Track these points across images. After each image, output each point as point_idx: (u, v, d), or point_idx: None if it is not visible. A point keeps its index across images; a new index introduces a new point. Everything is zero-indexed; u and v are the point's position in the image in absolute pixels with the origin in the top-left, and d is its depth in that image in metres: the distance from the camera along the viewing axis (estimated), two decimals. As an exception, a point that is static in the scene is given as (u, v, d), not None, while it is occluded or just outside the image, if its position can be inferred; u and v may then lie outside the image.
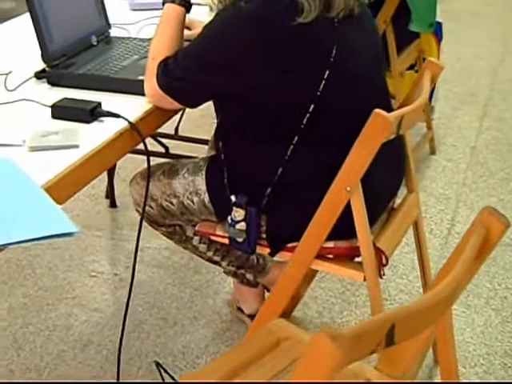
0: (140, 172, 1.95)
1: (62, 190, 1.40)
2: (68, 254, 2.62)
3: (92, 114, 1.62)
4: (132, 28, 2.25)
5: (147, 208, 1.90)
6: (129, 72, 1.82)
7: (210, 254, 2.02)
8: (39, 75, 1.84)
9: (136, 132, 1.61)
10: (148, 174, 1.76)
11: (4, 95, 1.75)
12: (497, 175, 3.25)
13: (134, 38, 2.06)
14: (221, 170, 1.77)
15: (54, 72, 1.82)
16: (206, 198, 1.81)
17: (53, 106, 1.64)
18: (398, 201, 1.97)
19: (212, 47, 1.61)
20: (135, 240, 1.76)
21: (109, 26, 2.08)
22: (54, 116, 1.64)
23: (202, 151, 2.42)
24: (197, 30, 1.97)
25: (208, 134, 2.64)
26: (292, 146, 1.65)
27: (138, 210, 1.95)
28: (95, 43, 1.99)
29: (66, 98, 1.67)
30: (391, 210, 1.95)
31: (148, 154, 1.68)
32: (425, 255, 2.09)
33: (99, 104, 1.64)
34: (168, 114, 1.77)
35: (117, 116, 1.62)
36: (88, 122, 1.62)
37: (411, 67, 3.29)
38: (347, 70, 1.63)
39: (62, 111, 1.63)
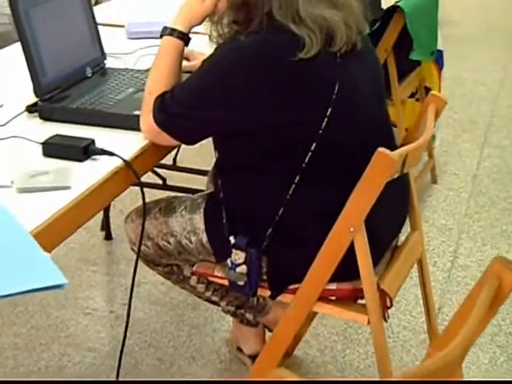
0: (136, 209, 1.88)
1: (52, 235, 1.33)
2: (62, 290, 2.53)
3: (85, 152, 1.56)
4: (128, 58, 2.19)
5: (143, 247, 1.83)
6: (124, 106, 1.76)
7: (208, 294, 1.95)
8: (31, 109, 1.77)
9: (131, 171, 1.55)
10: (144, 212, 1.69)
11: (-7, 131, 1.69)
12: (499, 205, 3.19)
13: (130, 70, 2.00)
14: (220, 208, 1.70)
15: (46, 106, 1.76)
16: (204, 238, 1.74)
17: (44, 144, 1.58)
18: (401, 237, 1.91)
19: (211, 82, 1.56)
20: (132, 275, 1.69)
21: (104, 56, 2.02)
22: (46, 154, 1.58)
23: (202, 183, 2.35)
24: (196, 62, 1.92)
25: (208, 164, 2.56)
26: (293, 186, 1.59)
27: (133, 249, 1.88)
28: (90, 75, 1.93)
29: (57, 135, 1.61)
30: (395, 248, 1.88)
31: (143, 190, 1.61)
32: (429, 294, 2.02)
33: (93, 141, 1.58)
34: (165, 151, 1.71)
35: (111, 154, 1.55)
36: (81, 160, 1.55)
37: (412, 95, 3.24)
38: (350, 107, 1.58)
39: (53, 149, 1.57)
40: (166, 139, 1.61)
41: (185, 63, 1.83)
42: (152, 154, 1.66)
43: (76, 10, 1.91)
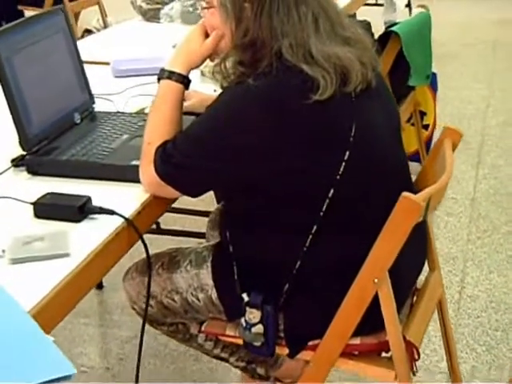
0: (135, 265, 1.74)
1: (52, 312, 1.19)
2: (53, 346, 2.37)
3: (81, 211, 1.41)
4: (117, 99, 2.06)
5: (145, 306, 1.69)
6: (120, 156, 1.62)
7: (217, 351, 1.81)
8: (17, 163, 1.63)
9: (133, 229, 1.41)
10: (149, 268, 1.55)
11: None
12: (501, 229, 3.09)
13: (122, 113, 1.87)
14: (229, 263, 1.57)
15: (33, 159, 1.62)
16: (214, 295, 1.61)
17: (35, 204, 1.44)
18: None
19: (216, 130, 1.43)
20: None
21: (92, 100, 1.89)
22: (37, 215, 1.43)
23: (200, 225, 2.21)
24: (193, 101, 1.81)
25: (206, 204, 2.41)
26: (311, 236, 1.46)
27: (134, 308, 1.74)
28: (78, 121, 1.79)
29: (49, 193, 1.47)
30: (415, 291, 1.76)
31: (147, 247, 1.47)
32: (450, 337, 1.90)
33: (89, 199, 1.44)
34: (167, 203, 1.57)
35: (111, 212, 1.42)
36: (77, 221, 1.41)
37: (407, 120, 3.14)
38: (368, 149, 1.46)
39: (46, 210, 1.43)
40: (170, 192, 1.48)
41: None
42: (154, 208, 1.52)
43: (61, 53, 1.78)
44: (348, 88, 1.42)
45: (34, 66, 1.67)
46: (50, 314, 1.19)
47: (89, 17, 5.50)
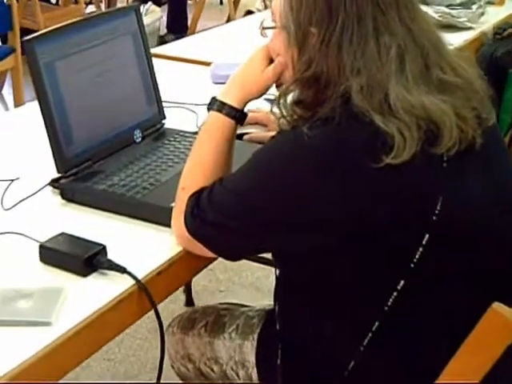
0: (179, 317, 1.48)
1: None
2: (123, 367, 2.19)
3: (89, 264, 1.16)
4: (203, 110, 1.78)
5: (183, 369, 1.44)
6: (163, 193, 1.34)
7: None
8: (54, 184, 1.41)
9: (146, 295, 1.14)
10: (162, 342, 1.27)
11: (-3, 217, 1.33)
12: None
13: (192, 134, 1.58)
14: (275, 342, 1.26)
15: (67, 184, 1.39)
16: (254, 375, 1.32)
17: (41, 247, 1.20)
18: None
19: (258, 185, 1.11)
20: None
21: (162, 115, 1.62)
22: (43, 260, 1.20)
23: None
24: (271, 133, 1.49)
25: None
26: (370, 334, 1.12)
27: (173, 367, 1.48)
28: (138, 140, 1.54)
29: (62, 234, 1.22)
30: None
31: (159, 316, 1.17)
32: None
33: (103, 249, 1.18)
34: (204, 262, 1.28)
35: (121, 270, 1.15)
36: (83, 275, 1.16)
37: None
38: (458, 231, 1.09)
39: (50, 255, 1.19)
40: (201, 249, 1.19)
41: (255, 132, 1.43)
42: (184, 266, 1.24)
43: (125, 58, 1.53)
44: (437, 149, 1.05)
45: (86, 74, 1.43)
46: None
47: (253, -2, 5.28)
